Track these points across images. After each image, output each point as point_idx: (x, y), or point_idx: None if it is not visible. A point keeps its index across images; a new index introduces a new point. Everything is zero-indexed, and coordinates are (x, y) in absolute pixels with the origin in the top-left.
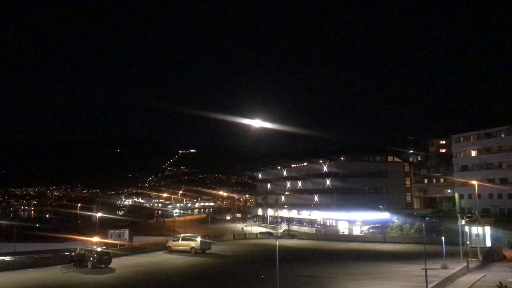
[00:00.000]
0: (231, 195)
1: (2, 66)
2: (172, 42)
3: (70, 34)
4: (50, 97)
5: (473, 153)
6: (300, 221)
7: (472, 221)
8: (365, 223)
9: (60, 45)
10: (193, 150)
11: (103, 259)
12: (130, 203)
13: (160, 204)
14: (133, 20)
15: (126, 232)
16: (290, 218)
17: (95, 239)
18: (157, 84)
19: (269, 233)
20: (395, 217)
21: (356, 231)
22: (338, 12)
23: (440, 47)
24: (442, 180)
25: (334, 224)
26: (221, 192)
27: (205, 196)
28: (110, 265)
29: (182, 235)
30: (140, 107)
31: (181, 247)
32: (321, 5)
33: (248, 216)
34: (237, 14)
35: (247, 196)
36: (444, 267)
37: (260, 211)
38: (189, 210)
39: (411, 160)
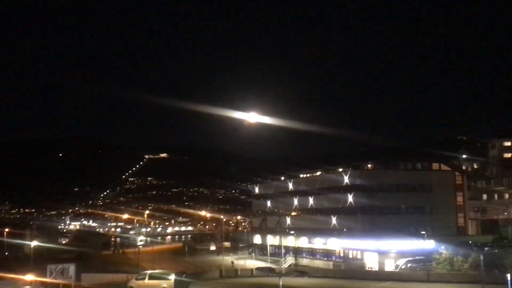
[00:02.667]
0: (217, 216)
1: None
2: (135, 10)
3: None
4: None
5: None
6: (312, 253)
7: None
8: (401, 254)
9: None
10: (164, 155)
11: None
12: (77, 227)
13: (118, 229)
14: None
15: (71, 268)
16: (299, 248)
17: (29, 277)
18: (114, 66)
19: (269, 269)
20: (442, 247)
21: (389, 266)
22: None
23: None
24: (507, 195)
25: (358, 257)
26: (203, 212)
27: (181, 218)
28: None
29: (149, 272)
30: (91, 96)
31: None
32: None
33: (241, 245)
34: None
35: (239, 217)
36: None
37: (257, 239)
38: (159, 237)
39: (464, 168)
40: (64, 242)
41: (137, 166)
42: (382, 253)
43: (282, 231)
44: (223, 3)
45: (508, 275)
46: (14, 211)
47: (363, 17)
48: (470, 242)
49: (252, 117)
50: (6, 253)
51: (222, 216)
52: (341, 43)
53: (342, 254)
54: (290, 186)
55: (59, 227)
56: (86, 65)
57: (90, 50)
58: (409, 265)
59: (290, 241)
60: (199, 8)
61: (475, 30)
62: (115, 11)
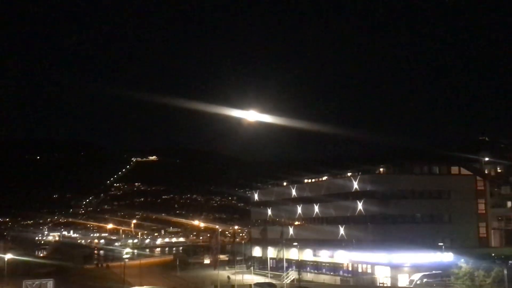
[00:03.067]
0: (212, 226)
1: None
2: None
3: None
4: None
5: None
6: (317, 266)
7: None
8: (416, 268)
9: None
10: (153, 158)
11: None
12: (57, 238)
13: (102, 240)
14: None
15: (50, 284)
16: (302, 261)
17: None
18: (96, 59)
19: (269, 285)
20: (462, 260)
21: (403, 282)
22: None
23: None
24: None
25: (369, 271)
26: (196, 222)
27: (172, 228)
28: None
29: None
30: (72, 93)
31: None
32: None
33: (238, 258)
34: None
35: (236, 227)
36: None
37: (256, 251)
38: (148, 250)
39: (486, 172)
40: (41, 255)
41: (124, 170)
42: (395, 267)
43: (284, 242)
44: None
45: None
46: None
47: (373, 12)
48: (493, 254)
49: (251, 116)
50: None
51: (217, 226)
52: (351, 36)
53: (350, 268)
54: (293, 192)
55: (36, 238)
56: (65, 59)
57: (71, 45)
58: (425, 280)
59: (293, 253)
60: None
61: (497, 24)
62: (101, 8)
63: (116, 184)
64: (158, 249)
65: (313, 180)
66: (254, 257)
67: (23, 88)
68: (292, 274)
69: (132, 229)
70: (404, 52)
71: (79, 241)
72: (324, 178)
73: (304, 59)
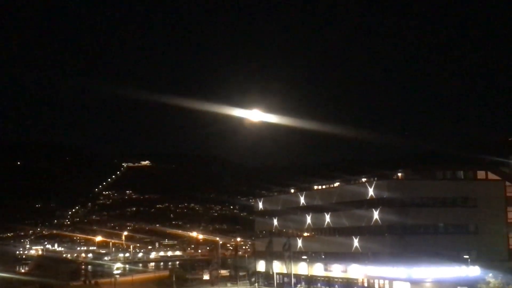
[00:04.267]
0: (212, 238)
1: None
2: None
3: None
4: None
5: None
6: (329, 282)
7: None
8: (439, 284)
9: None
10: (146, 163)
11: None
12: (40, 252)
13: (90, 254)
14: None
15: None
16: (312, 276)
17: None
18: (85, 56)
19: None
20: (490, 274)
21: None
22: None
23: None
24: None
25: (386, 287)
26: (194, 233)
27: (167, 241)
28: None
29: None
30: (57, 93)
31: None
32: None
33: (241, 273)
34: None
35: (238, 239)
36: None
37: (260, 266)
38: (141, 264)
39: None
40: (23, 270)
41: (114, 176)
42: (416, 283)
43: (291, 256)
44: None
45: None
46: None
47: (388, 9)
48: None
49: (254, 115)
50: None
51: (217, 238)
52: (363, 32)
53: (366, 284)
54: (302, 200)
55: (17, 252)
56: (53, 59)
57: (62, 46)
58: None
59: (302, 268)
60: None
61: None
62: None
63: (106, 192)
64: (152, 263)
65: (324, 186)
66: (259, 272)
67: (3, 88)
68: None
69: (123, 242)
70: (422, 49)
71: (64, 255)
72: (336, 184)
73: (312, 55)
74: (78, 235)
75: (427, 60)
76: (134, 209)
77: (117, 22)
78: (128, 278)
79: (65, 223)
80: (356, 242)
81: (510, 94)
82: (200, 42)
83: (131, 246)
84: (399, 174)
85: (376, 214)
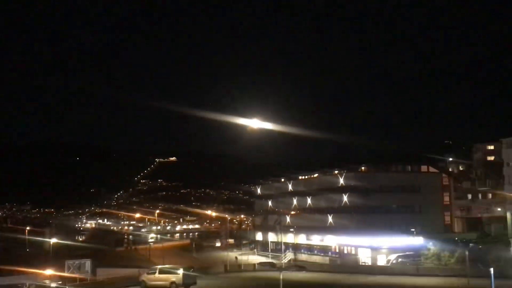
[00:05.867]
0: (222, 215)
1: None
2: (147, 29)
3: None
4: None
5: None
6: (310, 249)
7: None
8: (392, 250)
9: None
10: (173, 158)
11: None
12: (93, 225)
13: (131, 227)
14: (116, 17)
15: (87, 263)
16: (298, 244)
17: (49, 271)
18: (128, 78)
19: (270, 264)
20: (430, 243)
21: (381, 261)
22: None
23: (486, 33)
24: (490, 195)
25: (353, 252)
26: (209, 212)
27: (189, 217)
28: None
29: (159, 266)
30: (107, 105)
31: (159, 282)
32: None
33: (244, 242)
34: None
35: (242, 216)
36: None
37: (259, 236)
38: (169, 235)
39: (450, 170)
40: (80, 239)
41: (148, 169)
42: (375, 249)
43: (282, 228)
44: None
45: (491, 269)
46: (35, 211)
47: (352, 26)
48: (456, 238)
49: (254, 123)
50: (28, 250)
51: (226, 215)
52: (334, 54)
53: (337, 250)
54: (290, 187)
55: (76, 225)
56: (103, 76)
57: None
58: (399, 260)
59: (290, 238)
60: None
61: (464, 39)
62: (128, 17)
63: (142, 180)
64: (177, 234)
65: (306, 176)
66: (257, 241)
67: (69, 99)
68: (289, 255)
69: (156, 218)
70: (383, 70)
71: (112, 228)
72: (316, 175)
73: (299, 75)
74: (122, 213)
75: (386, 80)
76: (164, 193)
77: (155, 43)
78: (159, 245)
79: (112, 203)
80: (330, 218)
81: (446, 106)
82: (215, 67)
83: (162, 221)
84: (363, 168)
85: (345, 198)
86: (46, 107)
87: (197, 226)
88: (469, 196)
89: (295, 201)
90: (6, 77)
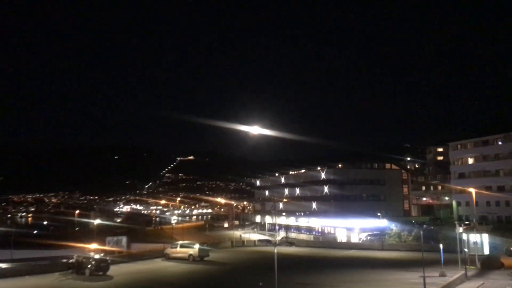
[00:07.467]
0: (229, 202)
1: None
2: (169, 46)
3: (68, 35)
4: (47, 103)
5: (470, 161)
6: (298, 229)
7: (470, 229)
8: (363, 230)
9: (58, 48)
10: (191, 157)
11: (101, 266)
12: (128, 210)
13: (158, 211)
14: (130, 23)
15: (124, 239)
16: (288, 225)
17: (93, 246)
18: (154, 91)
19: (267, 241)
20: (393, 225)
21: (354, 239)
22: (335, 14)
23: (436, 53)
24: (439, 187)
25: (332, 232)
26: (219, 199)
27: (203, 203)
28: (108, 272)
29: (180, 242)
30: (138, 114)
31: (179, 254)
32: (320, 6)
33: (246, 223)
34: (234, 17)
35: (245, 203)
36: (442, 275)
37: (258, 218)
38: (187, 217)
39: (408, 167)
40: (118, 220)
41: (171, 165)
42: (349, 229)
43: (276, 213)
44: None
45: (441, 245)
46: (83, 198)
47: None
48: (413, 221)
49: (255, 129)
50: (77, 229)
51: (233, 202)
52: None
53: (320, 230)
54: (282, 180)
55: (115, 209)
56: (137, 92)
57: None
58: (368, 238)
59: (282, 220)
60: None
61: (419, 47)
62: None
63: (167, 174)
64: (194, 217)
65: (296, 171)
66: (257, 222)
67: (109, 108)
68: (282, 233)
69: (177, 204)
70: (353, 83)
71: (142, 212)
72: (303, 170)
73: (289, 88)
74: (151, 200)
75: (358, 91)
76: (184, 184)
77: (177, 58)
78: (180, 225)
79: (143, 192)
80: (314, 205)
81: (405, 114)
82: (228, 84)
83: (182, 206)
84: (340, 165)
85: (326, 189)
86: (89, 115)
87: (209, 210)
88: (423, 188)
89: (286, 191)
90: (60, 91)
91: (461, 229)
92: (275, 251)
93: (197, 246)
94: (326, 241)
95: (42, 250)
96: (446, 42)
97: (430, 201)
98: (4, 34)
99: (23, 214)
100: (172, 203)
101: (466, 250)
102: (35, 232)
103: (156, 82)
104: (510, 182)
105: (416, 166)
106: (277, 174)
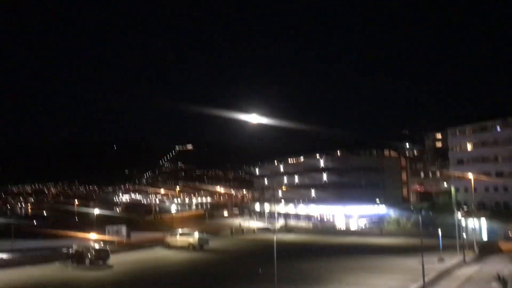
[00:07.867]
0: (229, 191)
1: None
2: (164, 36)
3: (62, 31)
4: (46, 97)
5: (469, 147)
6: (297, 216)
7: (468, 214)
8: (362, 217)
9: (55, 44)
10: (190, 146)
11: (101, 256)
12: (128, 199)
13: (157, 201)
14: (125, 17)
15: (123, 228)
16: (288, 213)
17: (93, 235)
18: (151, 82)
19: (266, 229)
20: (391, 211)
21: (353, 226)
22: (335, 9)
23: (435, 40)
24: (438, 174)
25: (331, 219)
26: (218, 188)
27: (202, 192)
28: (108, 262)
29: (179, 231)
30: (136, 105)
31: (179, 243)
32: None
33: (246, 211)
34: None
35: (244, 191)
36: (441, 260)
37: (257, 207)
38: (187, 206)
39: (407, 154)
40: (118, 210)
41: (170, 155)
42: (348, 216)
43: (275, 201)
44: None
45: (439, 231)
46: (82, 188)
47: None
48: (411, 207)
49: (253, 118)
50: (76, 218)
51: (232, 191)
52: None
53: (319, 217)
54: (281, 168)
55: (114, 199)
56: (134, 83)
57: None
58: (367, 224)
59: (282, 208)
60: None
61: (422, 35)
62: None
63: (166, 164)
64: (194, 206)
65: (294, 160)
66: (256, 210)
67: (112, 110)
68: (281, 221)
69: (177, 193)
70: (352, 73)
71: (142, 201)
72: (301, 159)
73: (286, 80)
74: (150, 189)
75: (355, 81)
76: (183, 174)
77: (178, 54)
78: (180, 214)
79: (142, 182)
80: (313, 193)
81: (404, 101)
82: (224, 73)
83: (181, 196)
84: (338, 153)
85: (325, 176)
86: (86, 110)
87: (209, 199)
88: (422, 175)
89: (285, 179)
90: (61, 87)
91: (459, 215)
92: (275, 238)
93: (196, 235)
94: (325, 228)
95: (42, 240)
96: (443, 26)
97: (429, 187)
98: (4, 29)
99: (23, 204)
100: (171, 192)
101: (464, 235)
102: (34, 222)
103: (154, 72)
104: (508, 168)
105: (415, 153)
106: (276, 163)
